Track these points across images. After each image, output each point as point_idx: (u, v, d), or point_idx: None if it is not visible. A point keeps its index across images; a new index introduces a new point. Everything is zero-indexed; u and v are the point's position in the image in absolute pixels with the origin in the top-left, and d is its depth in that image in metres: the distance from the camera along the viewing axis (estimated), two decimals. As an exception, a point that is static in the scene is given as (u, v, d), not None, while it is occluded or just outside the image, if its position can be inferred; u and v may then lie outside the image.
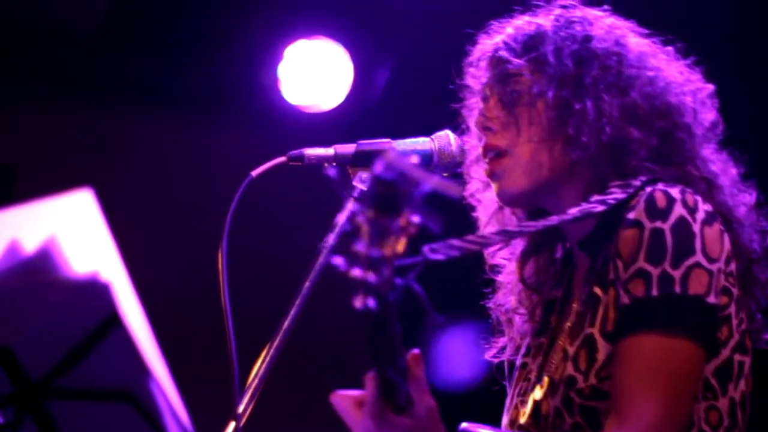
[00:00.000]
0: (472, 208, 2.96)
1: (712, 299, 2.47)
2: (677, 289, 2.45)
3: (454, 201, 1.92)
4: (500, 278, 2.94)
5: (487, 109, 2.78)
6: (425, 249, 2.16)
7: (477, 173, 2.90)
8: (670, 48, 2.82)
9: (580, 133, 2.66)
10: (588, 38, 2.74)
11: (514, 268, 2.90)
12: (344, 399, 2.26)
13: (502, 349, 2.93)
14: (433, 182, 1.87)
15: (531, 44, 2.76)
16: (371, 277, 1.92)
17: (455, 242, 2.30)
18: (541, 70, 2.72)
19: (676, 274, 2.46)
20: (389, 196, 1.88)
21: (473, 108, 2.90)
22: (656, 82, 2.72)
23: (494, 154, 2.75)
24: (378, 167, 1.89)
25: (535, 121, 2.71)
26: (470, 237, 2.37)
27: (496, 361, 2.96)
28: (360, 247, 1.92)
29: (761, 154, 3.11)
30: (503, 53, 2.77)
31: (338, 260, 1.94)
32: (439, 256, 2.22)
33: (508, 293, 2.91)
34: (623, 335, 2.48)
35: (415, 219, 1.89)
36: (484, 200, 2.93)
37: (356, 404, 2.24)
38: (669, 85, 2.73)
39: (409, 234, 1.90)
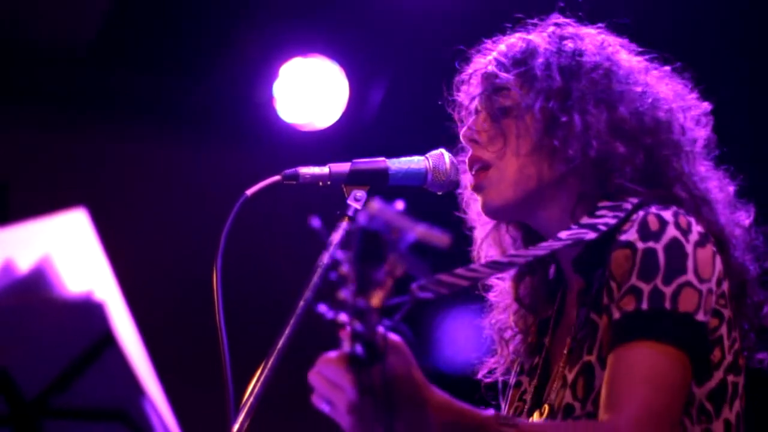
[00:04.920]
0: (466, 223, 2.96)
1: (701, 317, 2.47)
2: (667, 305, 2.45)
3: (445, 250, 1.90)
4: (493, 297, 2.94)
5: (476, 123, 2.79)
6: (413, 287, 2.14)
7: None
8: (666, 67, 2.83)
9: (566, 145, 2.67)
10: (578, 53, 2.76)
11: (509, 288, 2.89)
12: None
13: (492, 370, 2.93)
14: (419, 231, 1.87)
15: (521, 59, 2.78)
16: (358, 325, 1.93)
17: (445, 278, 2.29)
18: (530, 84, 2.74)
19: (668, 290, 2.46)
20: (375, 246, 1.89)
21: (464, 124, 2.92)
22: (644, 98, 2.72)
23: (479, 167, 2.77)
24: (363, 218, 1.89)
25: (522, 134, 2.72)
26: (460, 271, 2.37)
27: (487, 381, 2.96)
28: (346, 295, 1.92)
29: (759, 170, 3.12)
30: (492, 68, 2.79)
31: (323, 308, 1.94)
32: (428, 295, 2.20)
33: (502, 312, 2.91)
34: (613, 347, 2.47)
35: (401, 266, 1.89)
36: (479, 214, 2.93)
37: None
38: (658, 102, 2.74)
39: (395, 277, 1.90)
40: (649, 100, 2.74)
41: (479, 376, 2.96)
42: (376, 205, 1.88)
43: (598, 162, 2.66)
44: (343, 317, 1.93)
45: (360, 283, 1.90)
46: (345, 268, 1.91)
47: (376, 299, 1.90)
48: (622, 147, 2.67)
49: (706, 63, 2.93)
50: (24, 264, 1.95)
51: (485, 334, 2.97)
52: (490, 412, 2.25)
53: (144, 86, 5.88)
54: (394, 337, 2.07)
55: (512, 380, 2.84)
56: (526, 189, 2.72)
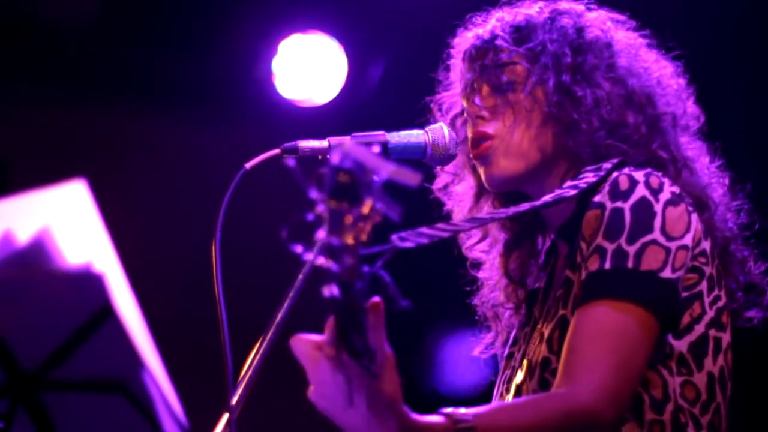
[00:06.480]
0: (441, 203, 2.97)
1: (667, 274, 2.47)
2: (629, 264, 2.46)
3: (414, 189, 1.90)
4: (482, 274, 2.96)
5: (480, 99, 2.80)
6: (394, 237, 2.15)
7: (455, 164, 2.92)
8: (648, 40, 2.87)
9: (582, 119, 2.69)
10: (581, 30, 2.79)
11: (498, 263, 2.91)
12: (304, 343, 2.17)
13: (490, 345, 2.95)
14: (390, 170, 1.86)
15: (524, 34, 2.80)
16: (333, 265, 1.91)
17: (425, 230, 2.29)
18: (539, 59, 2.76)
19: (631, 249, 2.47)
20: (347, 184, 1.87)
21: (453, 99, 2.93)
22: (648, 73, 2.77)
23: (485, 140, 2.77)
24: (335, 157, 1.88)
25: (533, 108, 2.74)
26: (440, 224, 2.37)
27: (484, 356, 2.97)
28: (321, 235, 1.91)
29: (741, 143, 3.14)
30: (495, 43, 2.80)
31: (298, 248, 1.93)
32: (409, 244, 2.20)
33: (493, 288, 2.93)
34: (576, 308, 2.49)
35: (377, 207, 1.88)
36: (459, 193, 2.95)
37: (315, 348, 2.16)
38: (660, 77, 2.79)
39: (373, 222, 1.90)
40: (653, 75, 2.78)
41: (476, 353, 2.98)
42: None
43: (608, 134, 2.69)
44: (320, 260, 1.92)
45: (334, 221, 1.89)
46: (320, 208, 1.90)
47: (351, 237, 1.89)
48: (631, 118, 2.70)
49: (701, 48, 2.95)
50: (23, 235, 1.95)
51: (479, 312, 2.99)
52: (442, 418, 2.23)
53: (144, 62, 5.87)
54: (388, 348, 2.07)
55: (505, 353, 2.86)
56: (533, 160, 2.74)
